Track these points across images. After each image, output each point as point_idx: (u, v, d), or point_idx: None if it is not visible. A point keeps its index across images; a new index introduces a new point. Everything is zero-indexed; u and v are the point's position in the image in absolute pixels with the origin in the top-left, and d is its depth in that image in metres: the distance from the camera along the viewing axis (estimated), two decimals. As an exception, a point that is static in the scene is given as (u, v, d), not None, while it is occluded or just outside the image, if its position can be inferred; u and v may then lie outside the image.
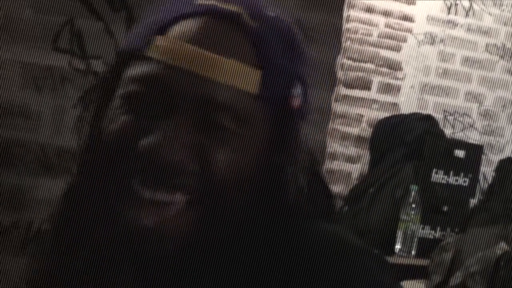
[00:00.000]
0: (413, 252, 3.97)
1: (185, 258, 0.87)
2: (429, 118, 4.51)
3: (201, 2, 0.92)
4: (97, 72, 2.45)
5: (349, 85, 4.83)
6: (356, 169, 4.67)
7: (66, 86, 2.43)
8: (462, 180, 4.29)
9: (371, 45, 4.89)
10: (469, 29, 5.13)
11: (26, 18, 2.38)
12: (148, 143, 0.85)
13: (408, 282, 3.31)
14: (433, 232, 4.18)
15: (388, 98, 4.90)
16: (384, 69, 4.93)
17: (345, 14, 4.77)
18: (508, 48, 5.25)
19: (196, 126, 0.86)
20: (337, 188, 4.45)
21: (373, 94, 4.87)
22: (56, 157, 2.43)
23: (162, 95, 0.87)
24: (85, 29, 2.43)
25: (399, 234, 3.94)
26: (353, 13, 4.83)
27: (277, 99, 0.91)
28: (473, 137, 5.03)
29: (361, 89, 4.86)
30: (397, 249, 3.93)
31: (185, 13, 0.91)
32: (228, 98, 0.87)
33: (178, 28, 0.90)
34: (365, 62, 4.87)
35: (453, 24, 5.09)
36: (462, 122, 5.08)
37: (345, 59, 4.81)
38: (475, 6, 5.12)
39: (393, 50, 4.94)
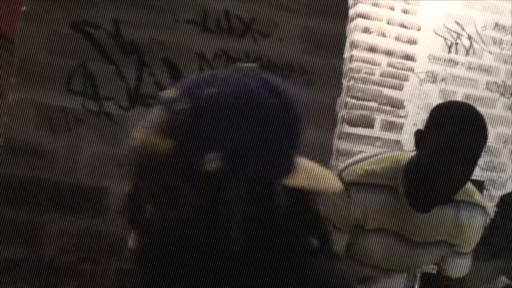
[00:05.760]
0: (416, 287, 3.99)
1: None
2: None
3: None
4: (109, 113, 2.53)
5: (352, 123, 4.89)
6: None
7: (79, 127, 2.49)
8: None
9: (374, 84, 4.96)
10: (469, 68, 5.20)
11: (41, 61, 2.46)
12: None
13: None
14: (437, 267, 4.21)
15: (391, 136, 4.95)
16: (387, 107, 4.99)
17: (348, 54, 4.86)
18: (508, 85, 5.31)
19: None
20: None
21: (376, 132, 4.93)
22: (69, 195, 2.49)
23: None
24: (97, 72, 2.51)
25: (403, 269, 3.96)
26: (356, 53, 4.91)
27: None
28: (475, 173, 5.03)
29: (364, 127, 4.92)
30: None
31: None
32: None
33: None
34: (368, 101, 4.94)
35: (454, 62, 5.16)
36: (464, 159, 5.11)
37: (348, 98, 4.88)
38: (475, 45, 5.20)
39: (395, 89, 5.01)
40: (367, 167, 2.48)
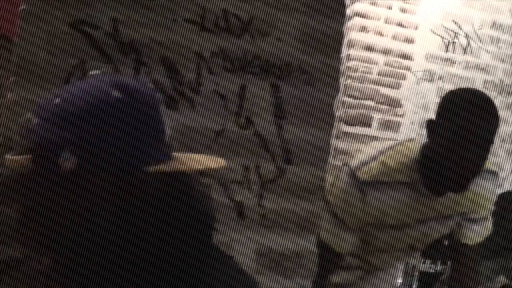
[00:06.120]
0: (414, 286, 4.00)
1: None
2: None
3: None
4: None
5: (350, 122, 4.89)
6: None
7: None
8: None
9: (371, 83, 4.96)
10: (467, 66, 5.20)
11: (40, 60, 2.45)
12: None
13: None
14: (434, 266, 4.21)
15: (388, 135, 4.95)
16: (384, 106, 4.99)
17: (345, 53, 4.86)
18: (505, 84, 5.31)
19: None
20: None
21: (373, 130, 4.93)
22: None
23: None
24: (96, 71, 2.50)
25: (400, 268, 3.96)
26: (353, 52, 4.91)
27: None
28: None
29: (362, 126, 4.92)
30: (399, 283, 3.96)
31: None
32: None
33: None
34: (365, 100, 4.94)
35: (451, 61, 5.17)
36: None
37: (345, 97, 4.88)
38: (472, 43, 5.20)
39: (392, 88, 5.02)
40: (382, 164, 2.48)
